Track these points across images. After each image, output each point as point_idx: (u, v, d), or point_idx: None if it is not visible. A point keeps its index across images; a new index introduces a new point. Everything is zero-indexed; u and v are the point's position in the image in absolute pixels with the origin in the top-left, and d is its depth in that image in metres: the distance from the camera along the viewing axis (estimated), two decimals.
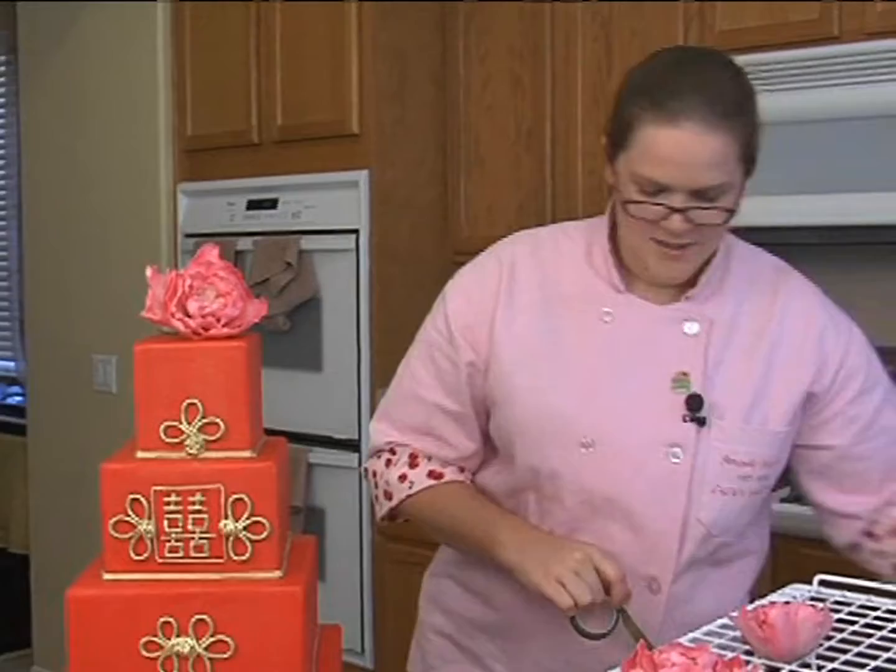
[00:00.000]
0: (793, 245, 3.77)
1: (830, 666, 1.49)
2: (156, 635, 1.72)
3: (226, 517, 1.73)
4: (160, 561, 1.74)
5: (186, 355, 1.76)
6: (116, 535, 1.74)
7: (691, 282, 2.00)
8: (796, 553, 3.13)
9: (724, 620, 1.64)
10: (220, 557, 1.74)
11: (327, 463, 4.22)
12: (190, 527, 1.74)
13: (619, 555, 1.92)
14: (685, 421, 1.95)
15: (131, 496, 1.73)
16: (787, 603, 1.56)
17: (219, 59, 4.64)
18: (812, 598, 1.73)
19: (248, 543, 1.74)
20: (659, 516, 1.96)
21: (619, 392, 1.97)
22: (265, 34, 4.46)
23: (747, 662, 1.38)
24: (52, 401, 5.29)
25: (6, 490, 5.87)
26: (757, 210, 3.54)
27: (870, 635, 1.58)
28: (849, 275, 3.84)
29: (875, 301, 3.80)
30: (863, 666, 1.47)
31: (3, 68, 6.49)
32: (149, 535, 1.73)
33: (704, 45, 3.67)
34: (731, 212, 1.90)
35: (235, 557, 1.74)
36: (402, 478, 2.11)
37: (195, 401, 1.75)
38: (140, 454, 1.76)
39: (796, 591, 1.78)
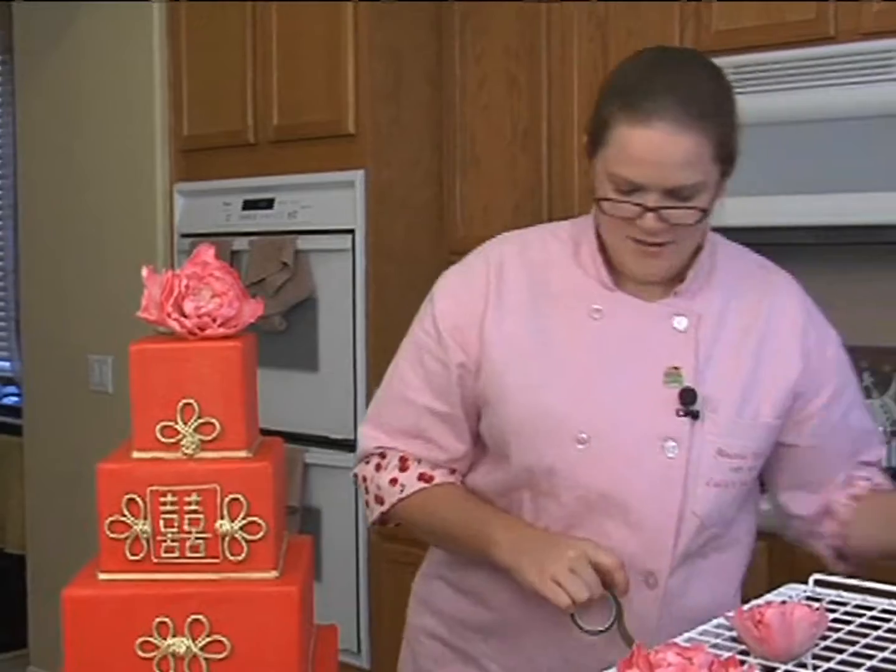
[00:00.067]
0: (789, 245, 3.78)
1: (826, 666, 1.49)
2: (152, 635, 1.72)
3: (222, 517, 1.73)
4: (156, 561, 1.74)
5: (182, 355, 1.76)
6: (112, 535, 1.74)
7: (679, 277, 2.02)
8: (792, 553, 3.13)
9: (720, 620, 1.64)
10: (216, 557, 1.74)
11: (323, 463, 4.22)
12: (186, 527, 1.74)
13: (615, 551, 1.92)
14: (679, 415, 1.96)
15: (127, 496, 1.73)
16: (782, 603, 1.56)
17: (215, 59, 4.63)
18: (808, 598, 1.73)
19: (244, 543, 1.74)
20: (655, 511, 1.96)
21: (612, 388, 1.98)
22: (261, 34, 4.46)
23: (743, 662, 1.38)
24: (49, 401, 5.29)
25: (2, 490, 5.87)
26: (754, 210, 3.55)
27: (865, 635, 1.58)
28: (845, 275, 3.84)
29: (871, 301, 3.81)
30: (858, 665, 1.48)
31: None
32: (145, 536, 1.73)
33: (701, 44, 3.67)
34: (705, 211, 1.93)
35: (231, 557, 1.74)
36: (393, 482, 2.10)
37: (191, 401, 1.75)
38: (136, 454, 1.76)
39: (792, 590, 1.79)
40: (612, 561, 1.88)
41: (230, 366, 1.76)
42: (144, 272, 1.81)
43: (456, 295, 2.10)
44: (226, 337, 1.79)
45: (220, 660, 1.72)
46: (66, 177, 5.17)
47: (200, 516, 1.73)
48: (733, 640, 1.57)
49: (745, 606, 1.57)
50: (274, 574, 1.76)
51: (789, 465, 2.12)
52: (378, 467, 2.14)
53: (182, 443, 1.75)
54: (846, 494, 2.09)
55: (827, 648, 1.54)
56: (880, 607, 1.69)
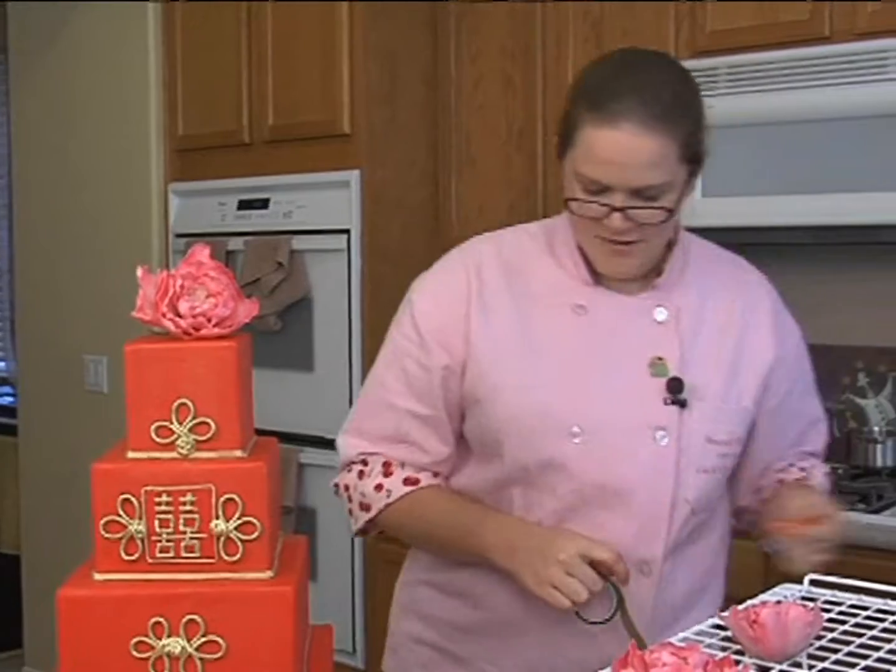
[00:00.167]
0: (785, 245, 3.78)
1: (821, 665, 1.50)
2: (147, 635, 1.72)
3: (217, 517, 1.73)
4: (151, 561, 1.74)
5: (177, 355, 1.76)
6: (107, 535, 1.74)
7: (657, 271, 2.06)
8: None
9: (715, 620, 1.64)
10: (211, 557, 1.74)
11: (318, 463, 4.22)
12: (181, 527, 1.74)
13: (610, 541, 1.94)
14: (667, 404, 2.00)
15: (122, 496, 1.73)
16: (777, 602, 1.56)
17: (210, 60, 4.63)
18: (803, 598, 1.74)
19: (239, 543, 1.74)
20: (649, 499, 1.99)
21: (600, 381, 2.00)
22: (256, 34, 4.46)
23: (738, 662, 1.38)
24: (44, 401, 5.29)
25: None
26: (750, 210, 3.56)
27: (860, 635, 1.58)
28: (840, 275, 3.84)
29: (867, 301, 3.81)
30: (853, 665, 1.48)
31: None
32: (140, 536, 1.73)
33: (696, 44, 3.68)
34: (672, 211, 1.95)
35: (226, 557, 1.74)
36: (379, 487, 2.10)
37: (186, 401, 1.75)
38: (131, 454, 1.76)
39: (787, 590, 1.79)
40: (609, 556, 1.90)
41: (225, 366, 1.76)
42: (139, 272, 1.81)
43: (436, 297, 2.10)
44: (221, 337, 1.78)
45: (216, 660, 1.72)
46: (60, 177, 5.16)
47: (195, 516, 1.73)
48: (728, 639, 1.57)
49: (741, 606, 1.57)
50: (269, 574, 1.76)
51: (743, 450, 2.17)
52: (361, 474, 2.14)
53: (177, 443, 1.75)
54: (777, 479, 2.17)
55: (822, 648, 1.54)
56: (875, 607, 1.69)
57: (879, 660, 1.50)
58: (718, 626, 1.63)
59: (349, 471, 2.17)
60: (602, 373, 2.01)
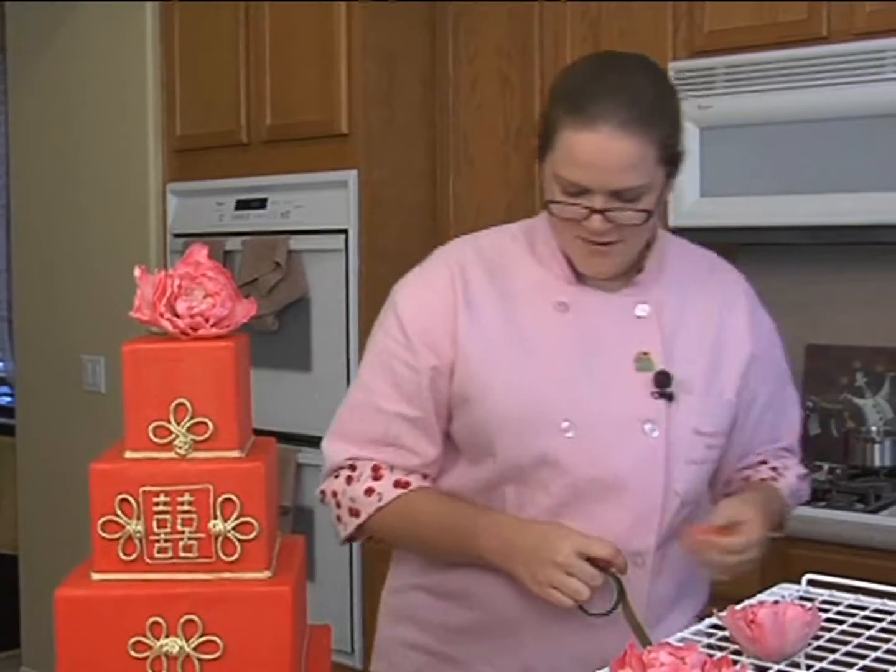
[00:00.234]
0: (783, 245, 3.79)
1: (819, 665, 1.50)
2: (145, 636, 1.72)
3: (215, 517, 1.73)
4: (149, 561, 1.74)
5: (175, 355, 1.76)
6: (105, 535, 1.74)
7: (637, 268, 2.08)
8: (784, 553, 3.14)
9: (713, 620, 1.64)
10: (209, 557, 1.74)
11: (316, 463, 4.16)
12: (179, 527, 1.73)
13: (604, 535, 1.95)
14: (655, 398, 2.02)
15: (120, 496, 1.73)
16: (775, 602, 1.56)
17: (208, 60, 4.63)
18: (800, 598, 1.74)
19: (236, 543, 1.74)
20: (641, 491, 2.01)
21: (588, 376, 2.02)
22: (254, 34, 4.46)
23: (736, 662, 1.38)
24: (41, 401, 5.29)
25: None
26: (747, 210, 3.56)
27: (858, 635, 1.58)
28: (839, 274, 3.85)
29: (864, 301, 3.81)
30: (851, 665, 1.48)
31: None
32: (138, 536, 1.73)
33: (694, 44, 3.68)
34: (650, 212, 1.97)
35: (224, 557, 1.74)
36: (369, 491, 2.08)
37: (184, 401, 1.75)
38: (129, 454, 1.76)
39: (785, 590, 1.79)
40: (606, 552, 1.91)
41: (223, 366, 1.76)
42: (137, 272, 1.81)
43: (421, 299, 2.11)
44: (218, 337, 1.78)
45: (213, 660, 1.72)
46: (58, 177, 5.16)
47: (193, 516, 1.73)
48: (726, 639, 1.57)
49: (738, 606, 1.57)
50: (267, 574, 1.76)
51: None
52: (349, 479, 2.12)
53: (175, 443, 1.75)
54: (743, 476, 2.21)
55: (820, 648, 1.54)
56: (873, 607, 1.69)
57: (877, 660, 1.50)
58: (716, 626, 1.63)
59: (336, 476, 2.15)
60: (589, 369, 2.03)
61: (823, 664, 1.49)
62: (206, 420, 1.75)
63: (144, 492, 1.73)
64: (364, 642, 4.15)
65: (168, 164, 4.82)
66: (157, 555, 1.74)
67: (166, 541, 1.74)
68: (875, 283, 3.80)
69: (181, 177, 4.77)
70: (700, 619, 2.12)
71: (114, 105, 4.92)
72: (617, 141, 1.89)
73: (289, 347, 4.30)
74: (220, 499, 1.73)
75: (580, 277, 2.07)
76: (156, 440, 1.75)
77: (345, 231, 4.16)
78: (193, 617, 1.71)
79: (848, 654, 1.52)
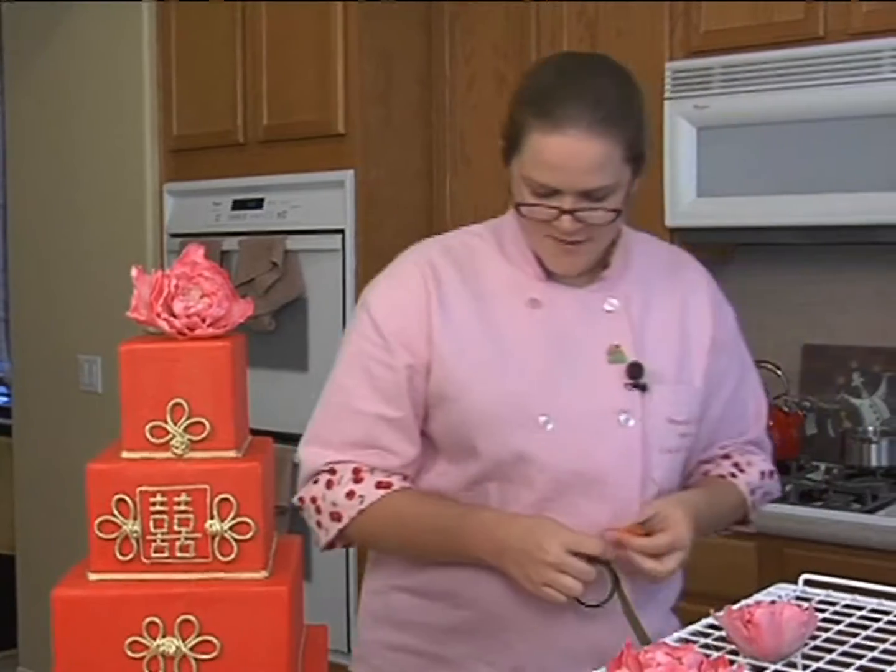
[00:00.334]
0: (780, 245, 3.79)
1: (815, 665, 1.50)
2: (141, 635, 1.71)
3: (211, 517, 1.73)
4: (146, 561, 1.74)
5: (172, 355, 1.76)
6: (102, 535, 1.73)
7: (603, 264, 2.12)
8: (781, 553, 3.14)
9: (710, 620, 1.64)
10: (206, 557, 1.74)
11: None
12: (176, 527, 1.73)
13: (587, 526, 1.97)
14: (628, 389, 2.05)
15: (117, 496, 1.72)
16: (772, 602, 1.56)
17: (205, 59, 4.63)
18: (797, 598, 1.74)
19: (233, 543, 1.74)
20: (621, 481, 2.04)
21: (562, 371, 2.05)
22: (251, 34, 4.46)
23: (732, 662, 1.38)
24: (38, 401, 5.28)
25: None
26: (744, 210, 3.56)
27: (855, 634, 1.58)
28: (836, 275, 3.85)
29: (862, 301, 3.81)
30: (848, 665, 1.48)
31: None
32: (134, 536, 1.73)
33: (690, 44, 3.68)
34: (619, 211, 2.01)
35: (221, 557, 1.74)
36: (350, 494, 2.07)
37: (181, 401, 1.75)
38: (126, 454, 1.76)
39: (781, 590, 1.79)
40: (596, 548, 1.92)
41: (220, 366, 1.76)
42: (134, 272, 1.80)
43: (394, 299, 2.14)
44: (215, 337, 1.78)
45: (210, 660, 1.72)
46: (55, 177, 5.16)
47: (190, 516, 1.73)
48: (723, 639, 1.57)
49: (735, 606, 1.57)
50: (263, 574, 1.76)
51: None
52: (330, 484, 2.10)
53: (172, 443, 1.75)
54: (703, 470, 2.23)
55: (816, 648, 1.55)
56: (869, 607, 1.69)
57: (874, 660, 1.51)
58: (713, 626, 1.63)
59: (315, 482, 2.13)
60: (563, 363, 2.05)
61: (820, 664, 1.50)
62: (203, 420, 1.75)
63: (141, 492, 1.73)
64: None
65: (164, 164, 4.82)
66: (153, 555, 1.74)
67: (163, 541, 1.73)
68: (872, 284, 3.80)
69: (178, 177, 4.77)
70: (675, 610, 2.15)
71: (110, 105, 4.92)
72: (584, 143, 1.93)
73: (285, 347, 4.30)
74: (216, 499, 1.73)
75: (550, 275, 2.10)
76: (152, 440, 1.75)
77: (341, 231, 4.16)
78: (190, 617, 1.71)
79: (845, 653, 1.52)
